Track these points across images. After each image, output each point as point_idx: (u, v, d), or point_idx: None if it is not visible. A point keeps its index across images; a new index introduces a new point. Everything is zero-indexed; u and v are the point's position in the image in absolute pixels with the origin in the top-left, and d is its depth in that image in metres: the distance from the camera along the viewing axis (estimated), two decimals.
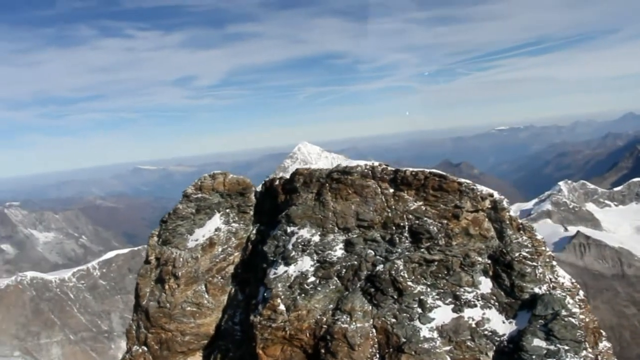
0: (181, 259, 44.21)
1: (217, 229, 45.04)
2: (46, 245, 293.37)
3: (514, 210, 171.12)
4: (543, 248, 33.98)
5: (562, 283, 34.62)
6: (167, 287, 44.19)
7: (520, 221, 33.96)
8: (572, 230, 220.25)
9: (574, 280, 36.17)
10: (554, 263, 34.81)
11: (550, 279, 31.74)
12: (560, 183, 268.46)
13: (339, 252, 36.20)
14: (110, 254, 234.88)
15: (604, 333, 36.76)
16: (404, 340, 31.45)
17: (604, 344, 36.23)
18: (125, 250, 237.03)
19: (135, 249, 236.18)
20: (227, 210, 45.87)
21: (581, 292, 36.12)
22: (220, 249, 44.46)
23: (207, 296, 43.93)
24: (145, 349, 45.27)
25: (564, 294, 30.62)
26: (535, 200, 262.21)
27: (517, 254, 31.70)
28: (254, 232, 44.75)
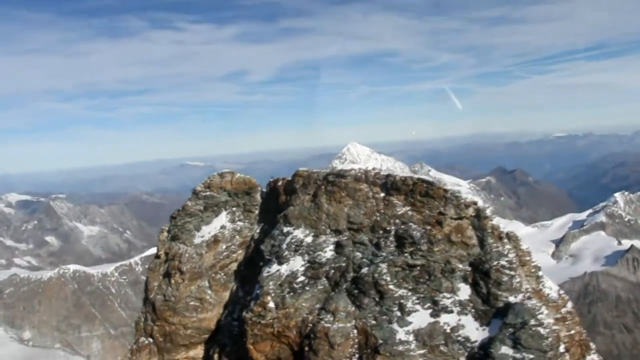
0: (187, 255, 46.99)
1: (223, 227, 47.66)
2: (90, 238, 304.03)
3: (567, 219, 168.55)
4: (528, 258, 35.12)
5: (548, 294, 35.69)
6: (172, 281, 47.05)
7: (505, 230, 35.17)
8: (626, 244, 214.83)
9: (562, 292, 37.11)
10: (540, 274, 35.88)
11: (527, 289, 32.82)
12: (617, 194, 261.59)
13: (328, 253, 38.13)
14: (154, 250, 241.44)
15: (593, 346, 37.55)
16: (380, 342, 33.15)
17: (592, 357, 37.06)
18: None
19: None
20: (234, 209, 48.43)
21: (569, 305, 37.03)
22: (224, 247, 47.04)
23: (209, 292, 46.56)
24: (151, 340, 48.24)
25: (539, 304, 31.68)
26: (590, 211, 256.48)
27: (495, 263, 32.94)
28: (258, 231, 47.15)
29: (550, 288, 35.68)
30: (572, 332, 35.28)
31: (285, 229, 40.95)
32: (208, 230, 47.93)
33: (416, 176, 36.67)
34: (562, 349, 31.76)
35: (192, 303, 46.62)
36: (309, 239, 39.30)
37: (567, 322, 35.35)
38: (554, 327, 30.90)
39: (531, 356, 29.15)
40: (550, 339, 29.76)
